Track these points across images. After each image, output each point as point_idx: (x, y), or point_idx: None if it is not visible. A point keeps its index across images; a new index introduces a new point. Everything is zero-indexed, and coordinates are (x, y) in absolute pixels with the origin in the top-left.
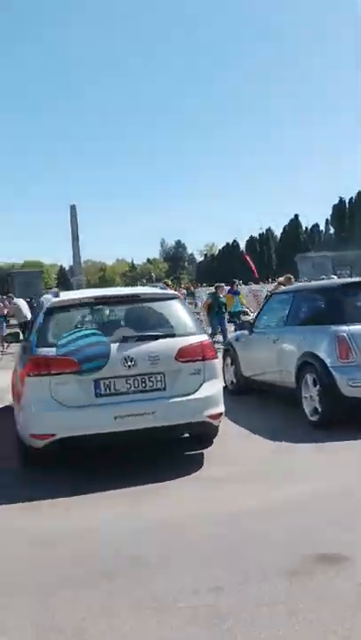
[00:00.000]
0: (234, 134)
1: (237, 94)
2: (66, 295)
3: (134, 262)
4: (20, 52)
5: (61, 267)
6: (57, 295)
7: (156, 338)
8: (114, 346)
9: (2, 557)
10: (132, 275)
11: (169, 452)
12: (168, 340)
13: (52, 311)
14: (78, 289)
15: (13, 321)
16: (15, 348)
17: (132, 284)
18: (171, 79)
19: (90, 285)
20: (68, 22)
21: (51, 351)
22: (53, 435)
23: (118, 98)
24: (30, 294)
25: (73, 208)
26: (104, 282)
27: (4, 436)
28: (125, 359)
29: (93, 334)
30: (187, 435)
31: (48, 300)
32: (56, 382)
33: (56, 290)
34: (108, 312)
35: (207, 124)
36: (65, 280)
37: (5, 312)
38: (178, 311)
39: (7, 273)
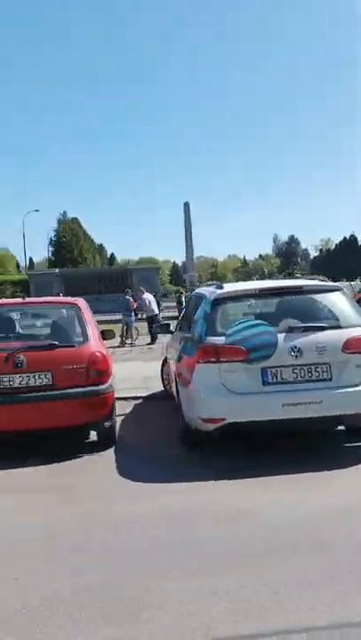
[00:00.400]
0: (347, 134)
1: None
2: (230, 287)
3: (246, 258)
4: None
5: (174, 263)
6: (220, 287)
7: (322, 329)
8: (280, 336)
9: (200, 531)
10: (245, 270)
11: (328, 442)
12: (334, 331)
13: (218, 302)
14: (191, 285)
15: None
16: (163, 339)
17: (245, 279)
18: (286, 79)
19: (201, 281)
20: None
21: (220, 340)
22: (223, 419)
23: (236, 96)
24: (148, 290)
25: (187, 205)
26: (216, 278)
27: (157, 421)
28: (292, 349)
29: (260, 324)
30: (341, 427)
31: (212, 291)
32: (225, 370)
33: (218, 282)
34: (272, 303)
35: (321, 124)
36: (177, 276)
37: (135, 306)
38: (341, 303)
39: (126, 269)
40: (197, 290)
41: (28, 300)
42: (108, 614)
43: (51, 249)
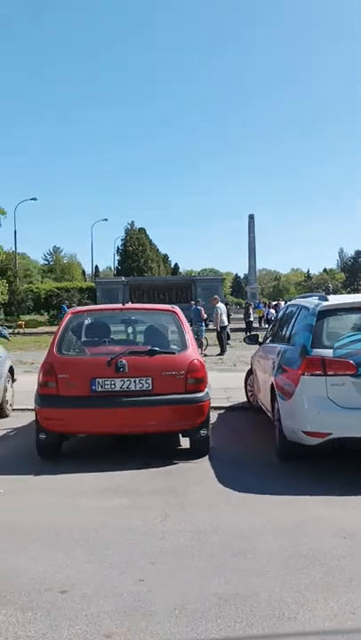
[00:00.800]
0: None
1: None
2: (336, 299)
3: (310, 272)
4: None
5: (236, 275)
6: (325, 299)
7: None
8: None
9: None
10: (308, 285)
11: None
12: None
13: (324, 314)
14: (253, 297)
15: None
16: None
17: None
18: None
19: (263, 294)
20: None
21: (326, 352)
22: (329, 433)
23: (298, 104)
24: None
25: (251, 217)
26: (278, 291)
27: (246, 431)
28: None
29: None
30: None
31: (316, 303)
32: (332, 383)
33: (322, 294)
34: None
35: None
36: (239, 288)
37: (205, 317)
38: None
39: (190, 279)
40: (294, 301)
41: (127, 305)
42: (253, 624)
43: (117, 257)
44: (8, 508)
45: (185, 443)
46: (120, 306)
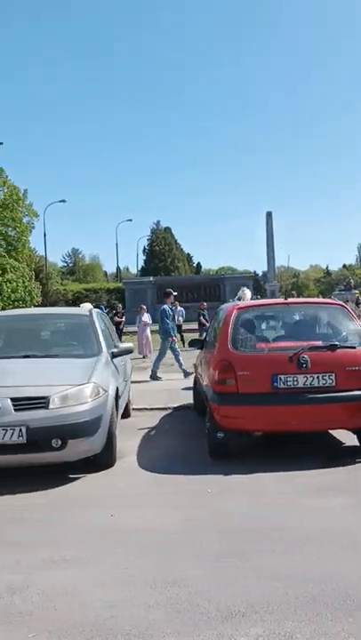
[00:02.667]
0: None
1: None
2: None
3: (329, 268)
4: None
5: (254, 272)
6: None
7: None
8: None
9: None
10: (327, 281)
11: None
12: None
13: None
14: (272, 295)
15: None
16: None
17: (327, 290)
18: None
19: (282, 292)
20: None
21: None
22: None
23: (318, 100)
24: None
25: (269, 215)
26: (297, 288)
27: None
28: None
29: None
30: None
31: None
32: None
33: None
34: None
35: None
36: (257, 286)
37: None
38: None
39: (219, 278)
40: None
41: (290, 300)
42: None
43: (142, 257)
44: (236, 510)
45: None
46: (283, 300)
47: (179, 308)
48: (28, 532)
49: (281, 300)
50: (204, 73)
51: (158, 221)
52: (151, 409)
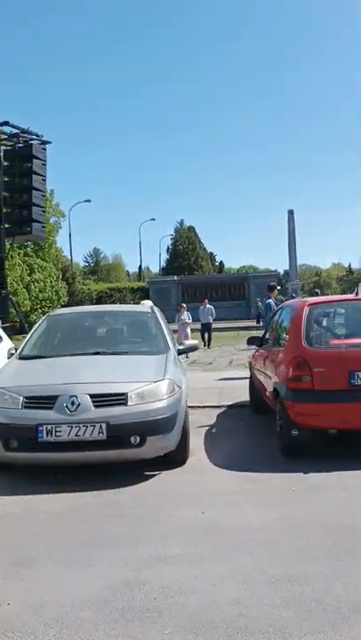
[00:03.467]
0: None
1: None
2: None
3: (351, 266)
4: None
5: (275, 271)
6: None
7: None
8: None
9: None
10: (350, 279)
11: None
12: None
13: None
14: (294, 294)
15: None
16: None
17: (350, 288)
18: None
19: (304, 290)
20: None
21: None
22: None
23: (340, 104)
24: (265, 297)
25: (291, 213)
26: (319, 287)
27: None
28: None
29: None
30: None
31: None
32: None
33: None
34: None
35: None
36: (279, 284)
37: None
38: None
39: (243, 276)
40: None
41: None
42: None
43: (165, 257)
44: (329, 508)
45: None
46: (353, 296)
47: (208, 305)
48: (125, 528)
49: (351, 296)
50: (239, 79)
51: (182, 220)
52: (203, 406)
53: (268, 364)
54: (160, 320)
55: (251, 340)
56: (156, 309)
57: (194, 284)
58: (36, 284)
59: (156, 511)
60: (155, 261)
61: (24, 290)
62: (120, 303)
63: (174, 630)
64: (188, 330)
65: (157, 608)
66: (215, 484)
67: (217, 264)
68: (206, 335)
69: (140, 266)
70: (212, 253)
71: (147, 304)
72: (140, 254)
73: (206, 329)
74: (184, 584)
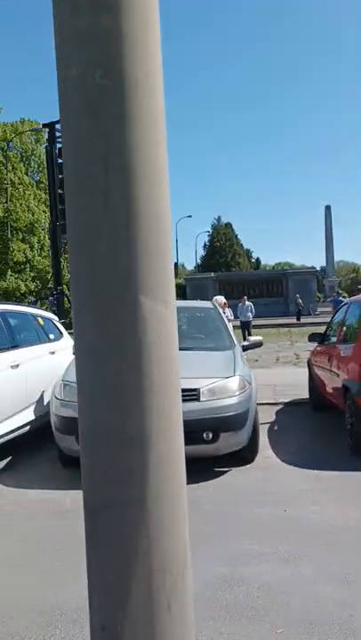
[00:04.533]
0: None
1: None
2: None
3: None
4: None
5: (313, 268)
6: None
7: None
8: None
9: None
10: None
11: None
12: None
13: None
14: (331, 291)
15: None
16: None
17: None
18: None
19: (342, 287)
20: None
21: None
22: None
23: None
24: (305, 295)
25: (328, 208)
26: (356, 283)
27: None
28: None
29: None
30: None
31: None
32: None
33: None
34: None
35: None
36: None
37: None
38: None
39: (282, 273)
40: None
41: None
42: None
43: (201, 253)
44: None
45: None
46: None
47: (247, 303)
48: (208, 524)
49: None
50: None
51: (219, 217)
52: (260, 404)
53: (333, 360)
54: (223, 316)
55: (312, 337)
56: (219, 305)
57: (231, 280)
58: None
59: (235, 508)
60: (190, 258)
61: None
62: None
63: (286, 629)
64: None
65: (262, 606)
66: (289, 483)
67: (253, 261)
68: (246, 333)
69: (177, 263)
70: (248, 250)
71: (220, 300)
72: (176, 251)
73: (246, 326)
74: (283, 583)
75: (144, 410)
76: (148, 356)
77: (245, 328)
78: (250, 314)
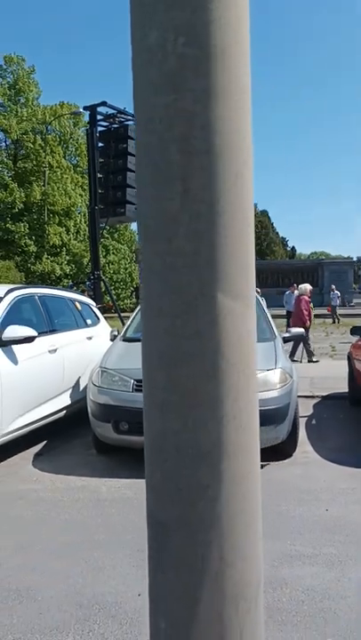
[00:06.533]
0: None
1: None
2: None
3: None
4: None
5: (350, 258)
6: None
7: None
8: None
9: None
10: None
11: None
12: None
13: None
14: None
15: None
16: None
17: None
18: None
19: None
20: None
21: None
22: None
23: None
24: (341, 286)
25: None
26: None
27: None
28: None
29: None
30: None
31: None
32: None
33: None
34: None
35: None
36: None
37: None
38: None
39: (317, 263)
40: None
41: None
42: None
43: None
44: None
45: None
46: None
47: (296, 291)
48: None
49: None
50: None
51: (255, 204)
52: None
53: None
54: (264, 306)
55: (355, 330)
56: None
57: (265, 269)
58: (111, 266)
59: (274, 505)
60: None
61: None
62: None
63: (334, 639)
64: None
65: (308, 612)
66: (329, 480)
67: (289, 250)
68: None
69: None
70: (284, 238)
71: (304, 288)
72: None
73: None
74: (328, 587)
75: (221, 420)
76: (226, 360)
77: None
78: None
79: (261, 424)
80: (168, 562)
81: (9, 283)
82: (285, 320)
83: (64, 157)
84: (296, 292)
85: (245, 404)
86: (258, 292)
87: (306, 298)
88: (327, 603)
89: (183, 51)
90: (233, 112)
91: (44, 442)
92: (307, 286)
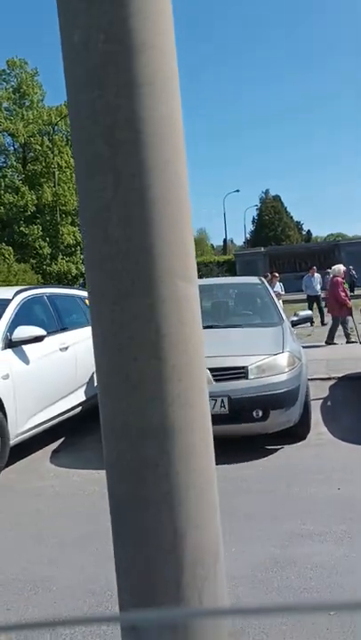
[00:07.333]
0: None
1: None
2: None
3: None
4: None
5: None
6: None
7: None
8: None
9: None
10: None
11: None
12: None
13: None
14: None
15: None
16: None
17: None
18: None
19: None
20: None
21: None
22: None
23: None
24: (359, 266)
25: None
26: None
27: None
28: None
29: None
30: None
31: None
32: None
33: None
34: None
35: None
36: None
37: None
38: None
39: (334, 244)
40: None
41: None
42: None
43: (250, 228)
44: None
45: None
46: None
47: (316, 274)
48: (258, 503)
49: None
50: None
51: (267, 190)
52: (313, 379)
53: None
54: (270, 291)
55: None
56: (265, 280)
57: (281, 254)
58: None
59: (286, 486)
60: (239, 234)
61: None
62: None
63: (339, 611)
64: (280, 302)
65: (315, 588)
66: (342, 460)
67: (304, 233)
68: (314, 307)
69: (225, 239)
70: (299, 222)
71: (338, 269)
72: (224, 227)
73: (315, 300)
74: (337, 563)
75: (165, 398)
76: (168, 341)
77: (314, 302)
78: (318, 286)
79: (271, 408)
80: (126, 540)
81: (26, 285)
82: (306, 304)
83: (72, 157)
84: (317, 275)
85: (191, 381)
86: (276, 277)
87: (340, 279)
88: (335, 578)
89: (104, 47)
90: (158, 101)
91: (62, 439)
92: (340, 267)
